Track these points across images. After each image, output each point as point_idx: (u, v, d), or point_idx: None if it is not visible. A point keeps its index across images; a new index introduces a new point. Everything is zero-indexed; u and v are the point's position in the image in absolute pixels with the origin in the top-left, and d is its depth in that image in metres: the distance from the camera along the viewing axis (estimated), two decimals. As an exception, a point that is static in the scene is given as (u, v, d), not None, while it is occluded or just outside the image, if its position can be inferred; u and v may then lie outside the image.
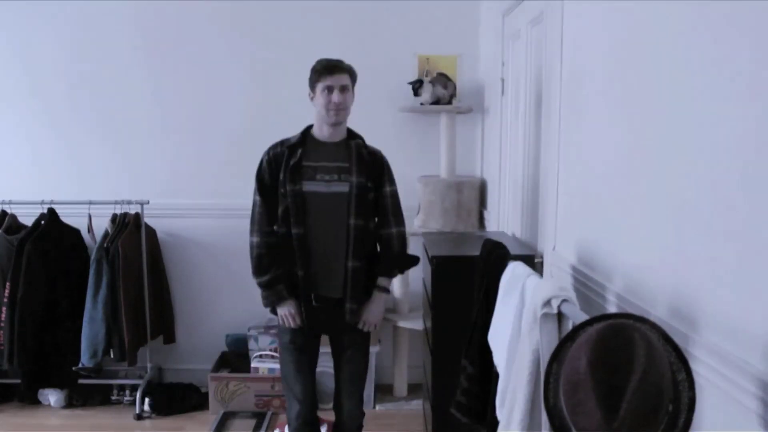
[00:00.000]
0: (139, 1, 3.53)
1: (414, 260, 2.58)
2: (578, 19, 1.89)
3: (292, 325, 2.41)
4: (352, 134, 2.47)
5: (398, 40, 3.54)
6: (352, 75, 2.42)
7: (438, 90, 3.41)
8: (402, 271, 2.61)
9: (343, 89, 2.35)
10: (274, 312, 2.46)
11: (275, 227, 2.42)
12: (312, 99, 2.41)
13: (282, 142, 2.44)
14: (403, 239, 2.50)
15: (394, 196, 2.50)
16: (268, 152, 2.45)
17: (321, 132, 2.42)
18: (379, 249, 2.50)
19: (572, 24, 1.94)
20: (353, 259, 2.36)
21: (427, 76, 3.45)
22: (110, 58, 3.58)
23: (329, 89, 2.34)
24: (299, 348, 2.48)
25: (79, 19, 3.56)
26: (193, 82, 3.58)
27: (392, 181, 2.51)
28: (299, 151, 2.38)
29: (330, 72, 2.35)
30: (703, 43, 1.17)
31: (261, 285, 2.41)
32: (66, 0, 3.53)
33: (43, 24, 3.56)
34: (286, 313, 2.40)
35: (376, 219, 2.47)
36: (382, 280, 2.45)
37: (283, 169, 2.37)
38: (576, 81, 1.91)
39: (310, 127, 2.46)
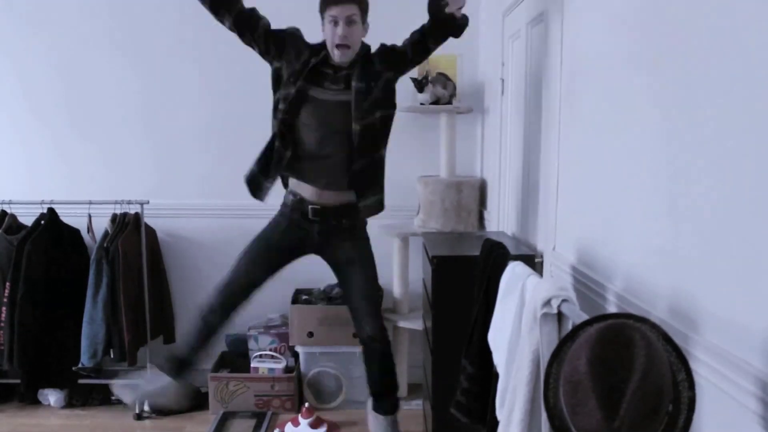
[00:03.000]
0: (132, 2, 3.54)
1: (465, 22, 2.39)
2: (578, 19, 1.89)
3: None
4: (361, 51, 2.40)
5: (398, 40, 3.53)
6: (363, 3, 2.29)
7: (438, 90, 3.41)
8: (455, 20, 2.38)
9: (350, 21, 2.23)
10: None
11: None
12: (323, 31, 2.34)
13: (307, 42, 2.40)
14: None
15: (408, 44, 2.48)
16: (299, 31, 2.39)
17: (331, 54, 2.36)
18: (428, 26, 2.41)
19: (572, 24, 1.94)
20: (362, 158, 2.34)
21: (427, 76, 3.45)
22: (106, 58, 3.58)
23: (333, 21, 2.24)
24: (275, 245, 2.47)
25: (73, 23, 3.56)
26: (192, 82, 3.58)
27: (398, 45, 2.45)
28: (323, 53, 2.32)
29: (335, 1, 2.23)
30: (703, 43, 1.17)
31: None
32: (58, 3, 3.53)
33: (37, 27, 3.56)
34: None
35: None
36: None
37: (302, 62, 2.31)
38: (576, 81, 1.91)
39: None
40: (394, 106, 2.49)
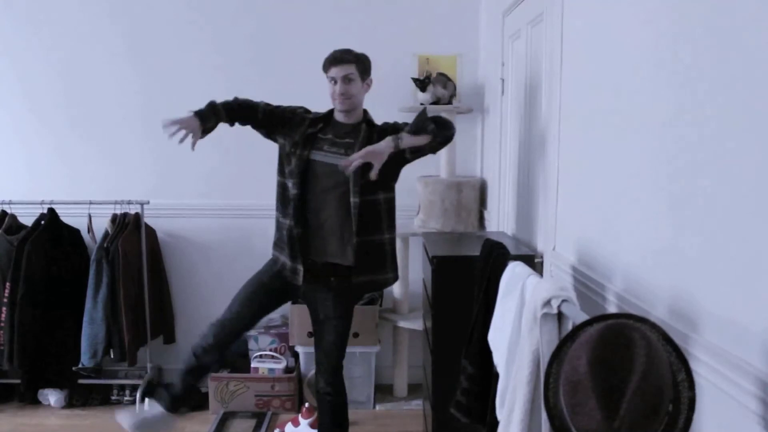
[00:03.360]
0: (132, 1, 3.54)
1: (449, 130, 2.38)
2: (578, 19, 1.89)
3: (182, 135, 2.32)
4: (367, 117, 2.52)
5: (398, 40, 3.54)
6: (360, 64, 2.45)
7: (438, 90, 3.41)
8: (429, 132, 2.33)
9: (347, 80, 2.41)
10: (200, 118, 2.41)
11: (285, 180, 2.47)
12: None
13: (312, 113, 2.54)
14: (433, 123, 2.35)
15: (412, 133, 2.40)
16: (300, 109, 2.55)
17: (338, 115, 2.51)
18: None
19: (572, 24, 1.94)
20: (360, 235, 2.39)
21: (429, 76, 3.45)
22: (105, 57, 3.58)
23: (333, 80, 2.43)
24: (266, 288, 2.53)
25: (73, 24, 3.56)
26: (192, 81, 3.58)
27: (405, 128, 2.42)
28: (320, 125, 2.47)
29: (332, 63, 2.43)
30: (703, 43, 1.17)
31: (212, 104, 2.46)
32: (58, 3, 3.54)
33: (39, 30, 3.56)
34: (187, 121, 2.33)
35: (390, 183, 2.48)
36: (403, 134, 2.30)
37: (300, 133, 2.45)
38: (576, 81, 1.91)
39: (332, 110, 2.54)
40: (392, 189, 2.53)
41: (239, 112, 2.52)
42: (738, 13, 1.06)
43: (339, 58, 2.43)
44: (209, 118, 2.42)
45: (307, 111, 2.55)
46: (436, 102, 3.41)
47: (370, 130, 2.46)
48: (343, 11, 3.53)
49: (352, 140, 2.43)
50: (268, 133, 2.56)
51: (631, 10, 1.51)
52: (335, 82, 2.42)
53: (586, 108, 1.82)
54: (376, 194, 2.42)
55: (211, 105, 2.46)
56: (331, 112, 2.53)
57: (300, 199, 2.42)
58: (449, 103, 3.42)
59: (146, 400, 2.80)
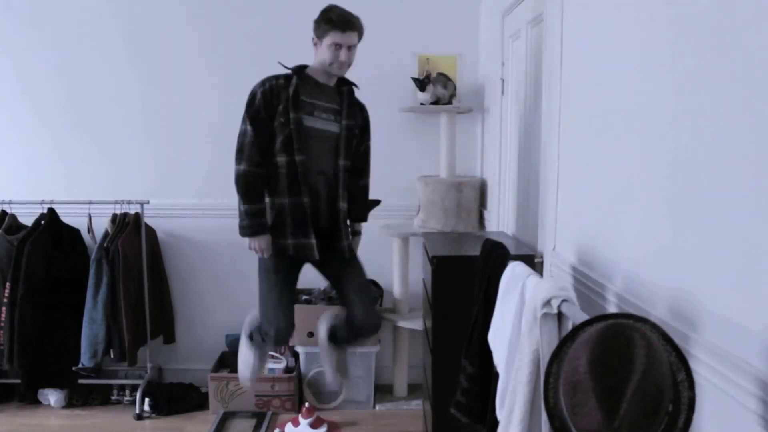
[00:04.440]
0: (132, 1, 3.54)
1: (377, 203, 2.81)
2: (578, 19, 1.89)
3: (264, 255, 2.48)
4: (343, 79, 2.55)
5: (398, 40, 3.54)
6: (361, 32, 2.48)
7: (438, 90, 3.41)
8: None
9: (351, 48, 2.41)
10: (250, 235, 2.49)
11: (277, 157, 2.43)
12: (315, 45, 2.45)
13: (277, 76, 2.45)
14: (368, 189, 2.75)
15: (369, 149, 2.68)
16: (263, 84, 2.44)
17: (318, 74, 2.48)
18: (352, 196, 2.66)
19: (572, 24, 1.94)
20: (342, 201, 2.53)
21: (428, 76, 3.45)
22: (105, 58, 3.58)
23: (338, 46, 2.37)
24: (283, 275, 2.54)
25: (72, 23, 3.56)
26: (192, 82, 3.58)
27: (370, 136, 2.67)
28: (295, 82, 2.41)
29: (343, 29, 2.37)
30: (703, 43, 1.17)
31: (247, 213, 2.44)
32: (58, 3, 3.54)
33: (38, 29, 3.56)
34: (261, 245, 2.45)
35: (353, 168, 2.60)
36: (359, 226, 2.67)
37: (285, 99, 2.40)
38: (576, 81, 1.91)
39: (305, 66, 2.49)
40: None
41: (263, 178, 2.45)
42: (738, 13, 1.06)
43: (351, 22, 2.36)
44: (261, 225, 2.45)
45: (271, 79, 2.45)
46: (436, 102, 3.41)
47: (351, 97, 2.53)
48: (343, 11, 3.53)
49: (338, 106, 2.49)
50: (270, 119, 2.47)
51: (631, 10, 1.51)
52: (338, 48, 2.36)
53: (586, 108, 1.82)
54: (349, 162, 2.55)
55: (246, 213, 2.45)
56: (302, 68, 2.47)
57: (304, 166, 2.41)
58: (449, 103, 3.42)
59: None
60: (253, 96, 2.44)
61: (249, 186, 2.43)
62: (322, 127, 2.43)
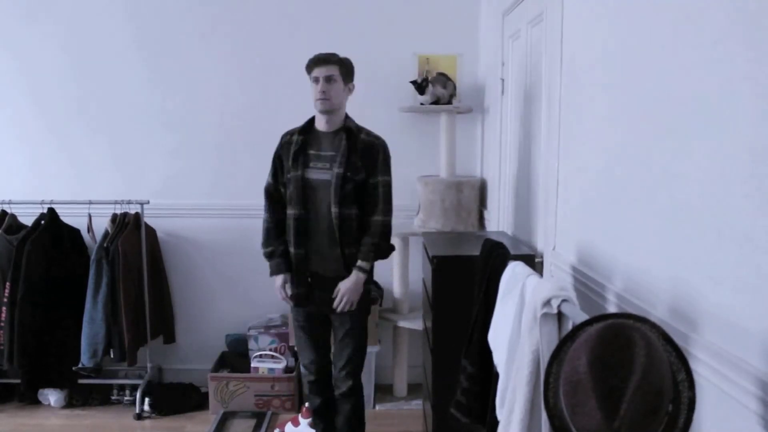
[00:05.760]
0: (139, 1, 3.54)
1: (391, 249, 2.67)
2: (578, 19, 1.89)
3: (280, 296, 2.61)
4: (347, 124, 2.55)
5: (398, 40, 3.54)
6: (343, 67, 2.51)
7: (438, 90, 3.41)
8: (378, 258, 2.64)
9: (329, 80, 2.46)
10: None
11: (287, 209, 2.57)
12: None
13: (291, 131, 2.60)
14: (386, 228, 2.58)
15: (386, 185, 2.56)
16: (281, 138, 2.61)
17: (319, 122, 2.56)
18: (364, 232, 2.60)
19: (572, 24, 1.94)
20: (345, 247, 2.50)
21: (426, 78, 3.45)
22: (108, 57, 3.58)
23: (316, 80, 2.48)
24: (302, 327, 2.66)
25: (76, 19, 3.56)
26: (192, 82, 3.58)
27: (386, 171, 2.57)
28: (300, 138, 2.53)
29: (316, 64, 2.48)
30: (703, 43, 1.17)
31: (264, 255, 2.63)
32: (63, 1, 3.54)
33: (40, 25, 3.56)
34: (277, 284, 2.60)
35: (365, 206, 2.55)
36: (360, 263, 2.54)
37: (288, 156, 2.54)
38: (576, 81, 1.91)
39: (314, 117, 2.60)
40: (361, 208, 2.60)
41: (283, 228, 2.60)
42: (738, 14, 1.06)
43: (323, 58, 2.48)
44: (274, 265, 2.59)
45: (285, 135, 2.61)
46: (436, 102, 3.41)
47: (350, 140, 2.50)
48: (344, 11, 3.53)
49: (334, 152, 2.50)
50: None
51: (631, 10, 1.51)
52: (317, 82, 2.46)
53: (586, 108, 1.82)
54: (351, 209, 2.50)
55: (270, 254, 2.60)
56: (311, 122, 2.58)
57: (299, 219, 2.51)
58: (449, 102, 3.42)
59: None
60: (276, 150, 2.63)
61: (267, 232, 2.63)
62: (316, 177, 2.50)
